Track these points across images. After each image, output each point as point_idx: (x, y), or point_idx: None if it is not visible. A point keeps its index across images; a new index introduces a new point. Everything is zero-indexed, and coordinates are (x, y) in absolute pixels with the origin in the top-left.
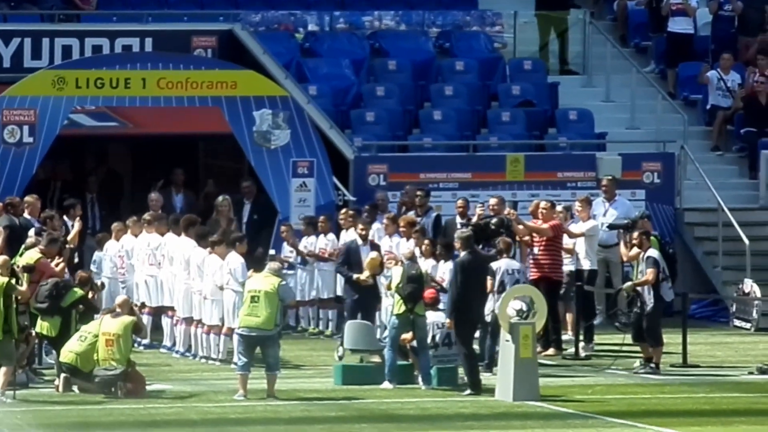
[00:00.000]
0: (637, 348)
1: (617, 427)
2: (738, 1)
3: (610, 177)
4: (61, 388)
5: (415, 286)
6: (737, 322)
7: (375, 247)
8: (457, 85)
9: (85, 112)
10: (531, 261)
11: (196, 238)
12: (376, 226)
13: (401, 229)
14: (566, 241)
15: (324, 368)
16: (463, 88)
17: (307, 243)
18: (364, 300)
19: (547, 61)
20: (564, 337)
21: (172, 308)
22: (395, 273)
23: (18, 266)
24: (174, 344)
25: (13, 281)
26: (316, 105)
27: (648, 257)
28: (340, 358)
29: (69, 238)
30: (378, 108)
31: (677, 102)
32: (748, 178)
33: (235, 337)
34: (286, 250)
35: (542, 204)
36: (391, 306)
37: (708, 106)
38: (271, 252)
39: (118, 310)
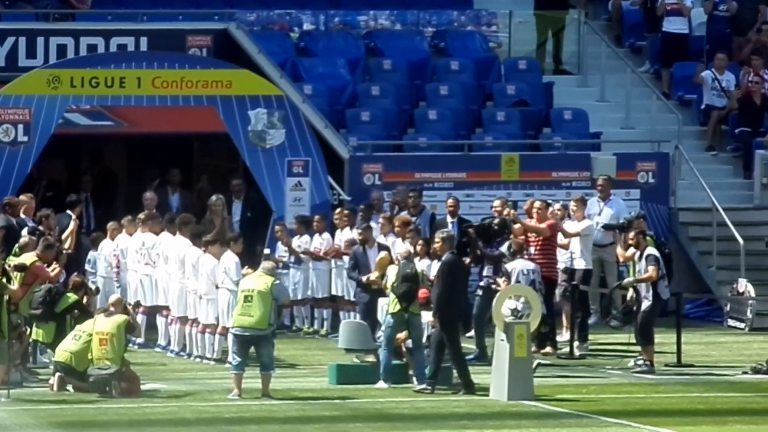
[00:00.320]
0: (637, 347)
1: (612, 427)
2: (733, 2)
3: (605, 177)
4: (55, 388)
5: (410, 286)
6: (731, 322)
7: (383, 247)
8: (452, 85)
9: (80, 111)
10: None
11: (190, 238)
12: (372, 225)
13: (396, 229)
14: (561, 239)
15: (319, 367)
16: (458, 87)
17: (300, 242)
18: (377, 301)
19: (542, 60)
20: (559, 338)
21: (167, 307)
22: (390, 272)
23: (10, 266)
24: (169, 343)
25: (5, 281)
26: (311, 104)
27: (648, 255)
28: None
29: (63, 236)
30: (373, 107)
31: (672, 102)
32: (742, 178)
33: (230, 337)
34: (281, 250)
35: (537, 204)
36: (386, 305)
37: (702, 106)
38: (266, 251)
39: (111, 309)
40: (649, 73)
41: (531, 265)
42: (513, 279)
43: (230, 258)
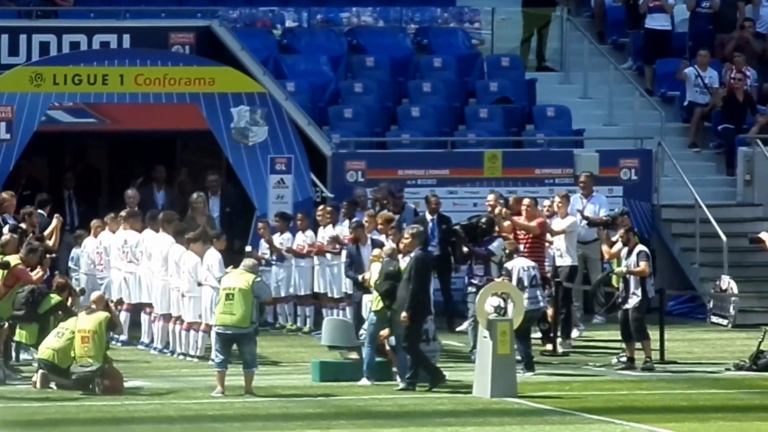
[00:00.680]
0: (620, 344)
1: (594, 424)
2: None
3: (587, 173)
4: (38, 385)
5: (392, 283)
6: (714, 319)
7: (378, 244)
8: (435, 82)
9: (62, 109)
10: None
11: (174, 235)
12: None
13: (379, 227)
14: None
15: (302, 365)
16: (440, 84)
17: (282, 239)
18: None
19: (525, 57)
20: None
21: (150, 305)
22: (374, 269)
23: None
24: (152, 341)
25: None
26: (294, 101)
27: (640, 252)
28: None
29: (46, 233)
30: (356, 104)
31: (654, 99)
32: (725, 175)
33: (213, 334)
34: (263, 247)
35: (526, 201)
36: (370, 302)
37: (685, 103)
38: (248, 249)
39: (93, 306)
40: (631, 69)
41: (530, 262)
42: (514, 277)
43: (213, 255)
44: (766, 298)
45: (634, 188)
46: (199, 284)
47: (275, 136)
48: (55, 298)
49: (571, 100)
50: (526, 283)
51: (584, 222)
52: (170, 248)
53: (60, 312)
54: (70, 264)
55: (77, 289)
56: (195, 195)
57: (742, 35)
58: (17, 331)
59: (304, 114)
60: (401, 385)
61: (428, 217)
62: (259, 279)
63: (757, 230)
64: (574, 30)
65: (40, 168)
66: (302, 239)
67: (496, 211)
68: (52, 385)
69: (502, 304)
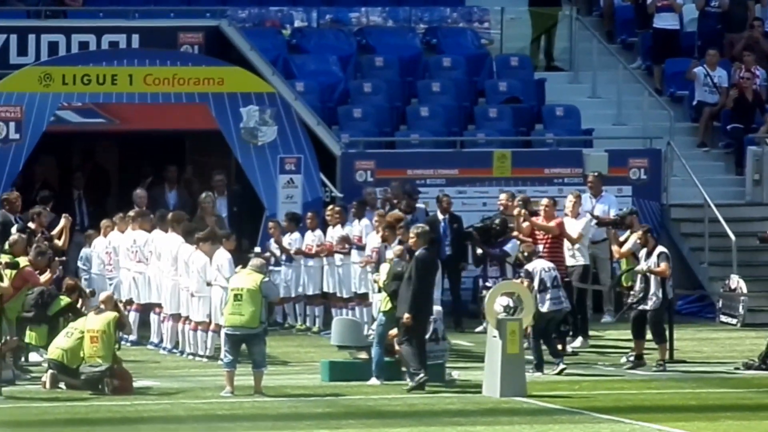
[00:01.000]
0: (629, 344)
1: (604, 423)
2: None
3: (596, 173)
4: (48, 385)
5: (400, 284)
6: (723, 318)
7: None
8: (444, 82)
9: (71, 109)
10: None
11: (183, 235)
12: (364, 222)
13: None
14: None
15: (311, 365)
16: (450, 84)
17: (291, 239)
18: None
19: (534, 57)
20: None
21: (159, 305)
22: (382, 270)
23: (2, 263)
24: (161, 341)
25: None
26: (303, 101)
27: (660, 253)
28: None
29: (55, 232)
30: (365, 104)
31: (664, 98)
32: (734, 174)
33: (222, 335)
34: (273, 247)
35: (544, 201)
36: (379, 302)
37: (694, 103)
38: (256, 249)
39: (101, 306)
40: (640, 69)
41: (550, 263)
42: (536, 279)
43: (223, 255)
44: None
45: (643, 188)
46: (209, 284)
47: (284, 136)
48: (64, 300)
49: (580, 99)
50: (548, 284)
51: (594, 222)
52: (180, 248)
53: (70, 314)
54: (80, 264)
55: (88, 290)
56: (203, 195)
57: (751, 34)
58: (27, 332)
59: (314, 114)
60: (411, 385)
61: (440, 216)
62: (267, 279)
63: (766, 229)
64: (583, 29)
65: (50, 168)
66: (311, 239)
67: (515, 212)
68: (62, 385)
69: (512, 304)
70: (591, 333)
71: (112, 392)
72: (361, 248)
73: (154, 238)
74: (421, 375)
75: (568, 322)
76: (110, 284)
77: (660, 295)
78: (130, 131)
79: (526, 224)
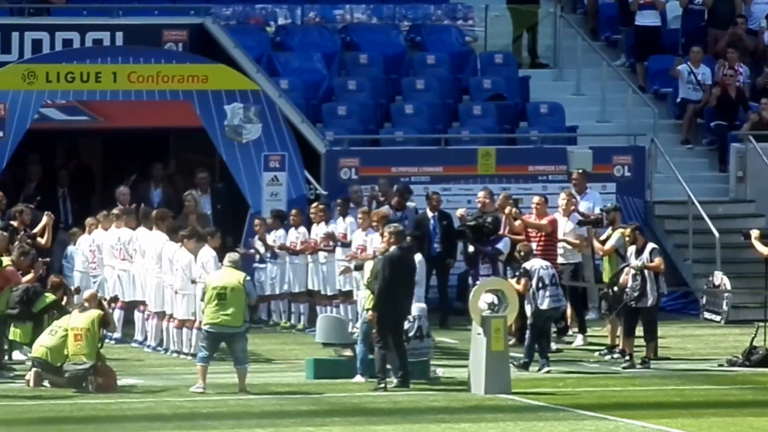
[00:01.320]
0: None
1: (588, 420)
2: None
3: (580, 170)
4: (32, 383)
5: None
6: (707, 315)
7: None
8: (428, 79)
9: (55, 106)
10: None
11: (167, 232)
12: (349, 219)
13: (374, 224)
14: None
15: (296, 362)
16: (434, 81)
17: (276, 236)
18: None
19: (518, 54)
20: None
21: (144, 302)
22: (366, 268)
23: None
24: (145, 339)
25: None
26: (288, 99)
27: (653, 249)
28: None
29: (36, 230)
30: (349, 102)
31: (647, 95)
32: (718, 171)
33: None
34: (258, 244)
35: (536, 199)
36: (363, 299)
37: (678, 100)
38: (240, 250)
39: (85, 304)
40: (624, 66)
41: (546, 262)
42: (535, 277)
43: (208, 253)
44: (758, 294)
45: (628, 185)
46: (193, 282)
47: (269, 133)
48: (49, 297)
49: (564, 97)
50: (547, 282)
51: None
52: (164, 246)
53: (55, 311)
54: (63, 261)
55: (72, 288)
56: (186, 194)
57: (734, 31)
58: (11, 329)
59: (298, 111)
60: (395, 382)
61: (429, 214)
62: (248, 278)
63: (749, 226)
64: (568, 27)
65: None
66: (295, 236)
67: (506, 210)
68: (45, 383)
69: (496, 301)
70: (572, 330)
71: (96, 390)
72: (346, 245)
73: (138, 235)
74: (381, 384)
75: (565, 319)
76: (94, 282)
77: (656, 291)
78: (114, 129)
79: (517, 222)
